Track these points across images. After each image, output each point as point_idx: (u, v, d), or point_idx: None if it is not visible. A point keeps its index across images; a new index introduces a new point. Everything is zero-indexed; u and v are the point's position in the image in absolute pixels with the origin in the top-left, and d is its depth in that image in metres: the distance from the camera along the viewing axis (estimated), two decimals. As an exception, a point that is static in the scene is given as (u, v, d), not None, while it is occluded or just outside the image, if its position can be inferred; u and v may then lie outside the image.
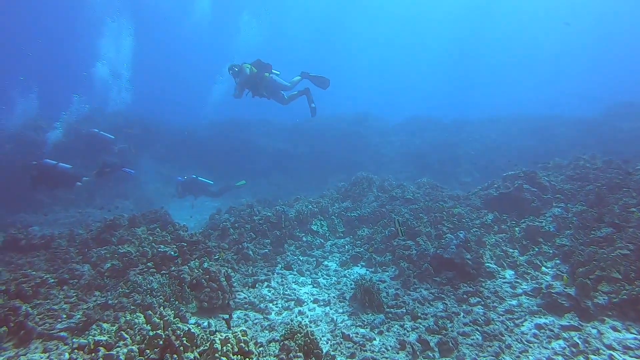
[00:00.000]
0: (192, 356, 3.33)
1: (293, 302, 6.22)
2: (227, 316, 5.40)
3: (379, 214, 9.42)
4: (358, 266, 7.70)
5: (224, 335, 3.47)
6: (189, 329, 3.53)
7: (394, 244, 7.81)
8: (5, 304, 5.09)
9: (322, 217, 9.79)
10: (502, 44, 56.72)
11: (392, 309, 5.62)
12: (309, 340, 3.56)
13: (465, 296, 5.74)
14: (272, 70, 10.13)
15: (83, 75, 21.83)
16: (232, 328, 5.10)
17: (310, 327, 5.13)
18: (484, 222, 8.29)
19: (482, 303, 5.59)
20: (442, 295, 5.90)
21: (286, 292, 6.57)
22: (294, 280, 7.17)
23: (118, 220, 8.70)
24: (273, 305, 6.18)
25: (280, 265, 7.79)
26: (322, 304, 6.16)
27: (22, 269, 7.00)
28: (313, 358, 3.41)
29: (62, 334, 4.96)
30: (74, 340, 4.55)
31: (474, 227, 8.13)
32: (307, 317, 5.75)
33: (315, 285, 6.95)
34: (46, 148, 15.36)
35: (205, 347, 3.38)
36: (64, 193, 14.12)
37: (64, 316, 5.43)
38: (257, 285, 6.79)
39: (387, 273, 7.11)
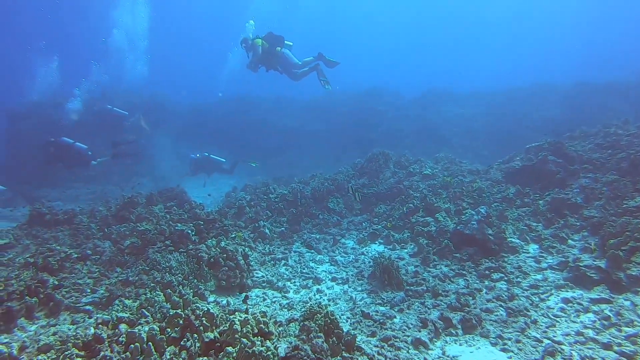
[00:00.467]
0: (212, 336, 3.29)
1: (311, 280, 6.17)
2: (244, 295, 5.39)
3: (397, 191, 9.25)
4: (376, 243, 7.60)
5: (244, 316, 3.42)
6: (208, 309, 3.48)
7: (413, 221, 7.67)
8: (34, 276, 5.17)
9: (339, 195, 9.68)
10: (521, 8, 54.30)
11: (412, 287, 5.52)
12: (329, 321, 3.48)
13: (487, 272, 5.59)
14: (285, 42, 9.93)
15: (101, 41, 21.68)
16: (250, 306, 5.09)
17: (329, 305, 5.09)
18: (506, 196, 8.06)
19: (506, 278, 5.44)
20: (463, 272, 5.77)
21: (304, 271, 6.52)
22: (312, 258, 7.13)
23: (136, 198, 8.74)
24: (291, 283, 6.15)
25: (297, 244, 7.76)
26: (340, 282, 6.10)
27: (48, 243, 7.12)
28: (334, 338, 3.33)
29: (87, 307, 5.03)
30: (98, 315, 4.59)
31: (495, 201, 7.92)
32: (326, 295, 5.70)
33: (332, 263, 6.89)
34: (64, 125, 15.52)
35: (225, 327, 3.33)
36: (79, 171, 14.28)
37: (89, 290, 5.51)
38: (275, 264, 6.77)
39: (406, 250, 7.00)
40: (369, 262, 6.60)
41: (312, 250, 7.41)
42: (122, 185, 16.07)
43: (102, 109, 16.64)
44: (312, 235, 8.14)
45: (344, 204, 9.41)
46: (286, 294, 5.78)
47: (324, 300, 5.52)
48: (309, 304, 5.25)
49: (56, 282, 5.32)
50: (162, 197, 9.37)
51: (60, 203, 12.68)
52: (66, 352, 3.12)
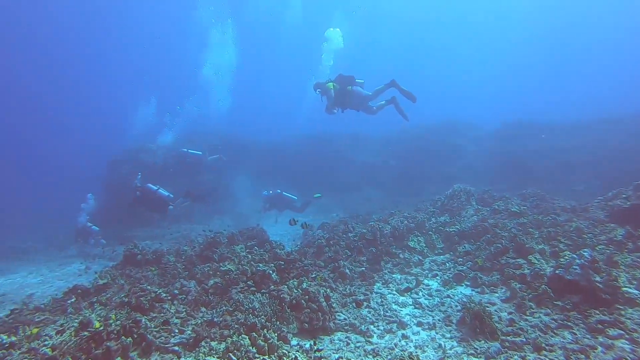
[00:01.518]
0: (300, 385, 3.21)
1: (395, 324, 5.90)
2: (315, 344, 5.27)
3: (482, 229, 8.74)
4: (462, 285, 7.15)
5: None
6: (296, 357, 3.42)
7: (502, 262, 7.14)
8: (129, 316, 5.47)
9: (419, 233, 9.35)
10: (605, 33, 50.73)
11: (508, 337, 5.05)
12: (423, 374, 3.26)
13: (600, 326, 4.95)
14: (356, 80, 10.12)
15: (193, 71, 23.32)
16: (331, 351, 4.95)
17: (418, 354, 4.80)
18: (613, 238, 7.24)
19: (627, 337, 4.75)
20: (569, 324, 5.17)
21: (387, 314, 6.27)
22: (394, 300, 6.85)
23: (218, 237, 9.10)
24: (374, 327, 5.92)
25: (378, 284, 7.53)
26: (426, 327, 5.77)
27: (139, 283, 7.57)
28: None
29: (175, 348, 5.18)
30: (187, 359, 4.71)
31: (599, 244, 7.14)
32: (412, 341, 5.40)
33: (417, 306, 6.56)
34: (152, 172, 16.98)
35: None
36: (158, 216, 15.32)
37: (177, 331, 5.69)
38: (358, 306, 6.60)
39: (497, 294, 6.48)
40: (457, 305, 6.21)
41: (393, 291, 7.15)
42: (205, 224, 16.92)
43: (179, 152, 17.99)
44: (394, 276, 7.88)
45: (425, 242, 9.06)
46: (370, 339, 5.56)
47: (410, 347, 5.23)
48: (395, 351, 5.03)
49: (148, 322, 5.58)
50: (243, 236, 9.67)
51: (149, 242, 13.60)
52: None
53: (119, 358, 4.81)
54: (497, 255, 7.44)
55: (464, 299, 6.35)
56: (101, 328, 4.93)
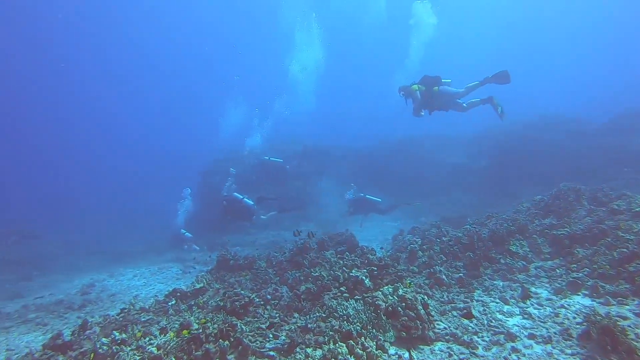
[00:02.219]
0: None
1: (502, 335, 5.36)
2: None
3: (599, 232, 7.74)
4: (579, 295, 6.34)
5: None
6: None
7: (631, 270, 6.21)
8: (225, 320, 5.60)
9: (521, 237, 8.55)
10: None
11: (647, 356, 4.32)
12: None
13: None
14: (442, 80, 9.66)
15: (282, 69, 23.79)
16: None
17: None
18: None
19: None
20: None
21: (492, 323, 5.74)
22: (498, 309, 6.28)
23: (308, 243, 9.11)
24: (478, 338, 5.43)
25: (478, 291, 6.98)
26: (540, 340, 5.15)
27: (233, 288, 7.80)
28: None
29: (271, 353, 5.18)
30: (284, 364, 4.67)
31: None
32: (525, 356, 4.85)
33: (525, 316, 5.93)
34: (239, 180, 17.74)
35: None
36: (244, 224, 15.87)
37: (271, 336, 5.71)
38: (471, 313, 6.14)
39: (628, 307, 5.63)
40: (575, 317, 5.50)
41: (496, 299, 6.56)
42: (291, 230, 17.23)
43: (261, 161, 18.55)
44: (495, 282, 7.26)
45: (529, 246, 8.25)
46: (475, 351, 5.10)
47: (523, 362, 4.69)
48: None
49: (243, 327, 5.66)
50: (333, 242, 9.60)
51: (239, 248, 14.14)
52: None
53: (217, 360, 4.91)
54: (623, 261, 6.50)
55: (585, 310, 5.61)
56: (200, 330, 5.08)
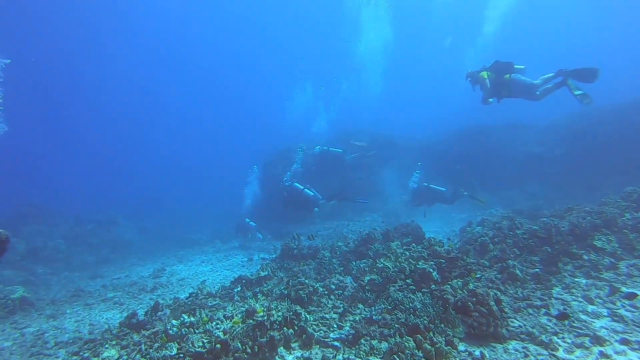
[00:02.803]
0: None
1: (588, 338, 4.88)
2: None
3: None
4: (681, 297, 5.63)
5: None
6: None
7: None
8: (290, 308, 5.61)
9: (608, 231, 7.78)
10: None
11: None
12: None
13: None
14: (515, 67, 8.97)
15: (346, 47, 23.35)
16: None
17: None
18: None
19: None
20: None
21: (574, 324, 5.25)
22: (581, 308, 5.74)
23: (373, 234, 8.93)
24: (559, 339, 4.99)
25: (557, 289, 6.43)
26: (636, 346, 4.62)
27: (297, 276, 7.83)
28: None
29: (335, 343, 5.11)
30: (347, 356, 4.57)
31: None
32: (616, 363, 4.37)
33: (615, 318, 5.36)
34: (301, 171, 17.89)
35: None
36: (305, 215, 15.91)
37: (335, 326, 5.65)
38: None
39: None
40: (678, 323, 4.88)
41: (579, 298, 5.99)
42: (356, 221, 17.11)
43: (321, 151, 18.45)
44: (577, 280, 6.66)
45: (619, 242, 7.48)
46: (555, 352, 4.69)
47: (613, 369, 4.23)
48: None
49: (307, 315, 5.63)
50: (398, 233, 9.34)
51: (303, 238, 14.23)
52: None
53: (281, 347, 4.92)
54: None
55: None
56: (264, 317, 5.12)
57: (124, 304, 8.64)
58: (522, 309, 5.79)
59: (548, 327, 5.25)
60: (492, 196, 17.65)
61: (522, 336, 5.06)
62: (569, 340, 4.92)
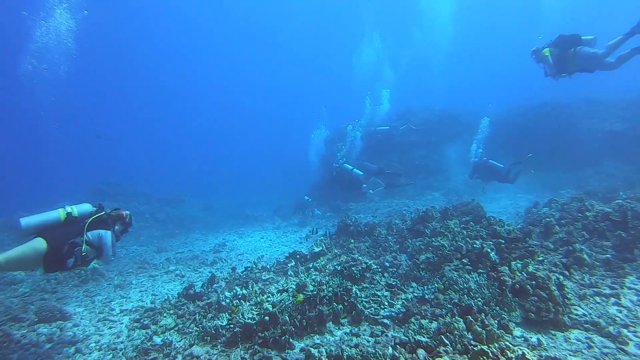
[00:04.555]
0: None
1: (665, 334, 4.44)
2: None
3: None
4: None
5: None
6: (524, 354, 2.76)
7: None
8: (341, 284, 5.63)
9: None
10: None
11: None
12: None
13: None
14: (582, 38, 8.25)
15: None
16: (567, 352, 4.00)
17: None
18: None
19: None
20: None
21: (650, 317, 4.80)
22: (659, 300, 5.22)
23: (430, 212, 8.69)
24: (629, 332, 4.58)
25: (632, 277, 5.90)
26: None
27: (352, 253, 7.83)
28: None
29: (385, 320, 5.07)
30: (395, 333, 4.51)
31: None
32: (697, 361, 3.94)
33: (703, 314, 4.82)
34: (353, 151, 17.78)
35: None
36: (352, 194, 15.80)
37: (386, 304, 5.59)
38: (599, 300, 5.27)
39: None
40: None
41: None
42: (416, 199, 16.76)
43: (370, 130, 18.21)
44: (655, 269, 6.06)
45: None
46: (624, 347, 4.31)
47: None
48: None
49: (358, 292, 5.61)
50: (457, 211, 9.01)
51: (362, 215, 14.19)
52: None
53: (330, 322, 4.96)
54: None
55: None
56: (315, 292, 5.16)
57: (184, 276, 9.15)
58: (589, 297, 5.38)
59: (617, 319, 4.84)
60: (564, 175, 16.52)
61: (586, 326, 4.71)
62: (642, 334, 4.51)
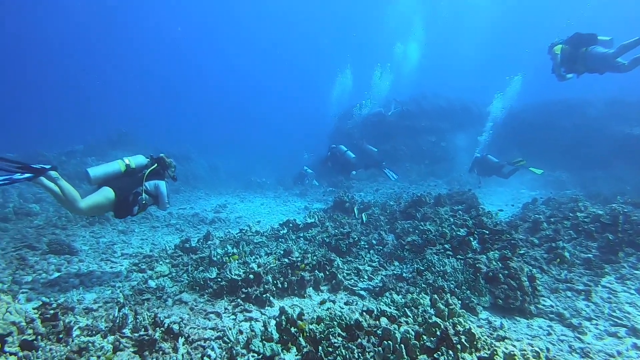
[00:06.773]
0: (469, 359, 2.86)
1: (624, 329, 4.69)
2: None
3: None
4: None
5: (512, 348, 2.83)
6: (470, 328, 3.05)
7: None
8: (325, 255, 5.97)
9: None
10: None
11: None
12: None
13: None
14: (599, 38, 8.08)
15: None
16: (524, 336, 4.28)
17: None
18: None
19: None
20: None
21: (614, 314, 5.04)
22: (630, 300, 5.45)
23: (424, 197, 8.92)
24: (591, 324, 4.84)
25: (609, 277, 6.11)
26: (678, 345, 4.37)
27: (343, 227, 8.15)
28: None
29: (362, 292, 5.43)
30: (366, 302, 4.85)
31: None
32: (647, 356, 4.19)
33: (666, 317, 5.04)
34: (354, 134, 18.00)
35: (486, 356, 2.84)
36: (342, 176, 16.10)
37: (366, 277, 5.94)
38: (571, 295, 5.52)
39: None
40: None
41: (633, 290, 5.67)
42: (420, 184, 16.94)
43: (375, 113, 18.44)
44: (637, 272, 6.25)
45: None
46: (581, 336, 4.58)
47: (641, 361, 4.08)
48: (613, 360, 4.02)
49: (341, 264, 5.93)
50: (451, 200, 9.23)
51: (362, 194, 14.44)
52: (331, 330, 3.35)
53: (311, 287, 5.32)
54: None
55: None
56: (299, 259, 5.52)
57: (183, 231, 9.57)
58: (560, 291, 5.63)
59: (583, 312, 5.10)
60: (573, 176, 16.49)
61: (550, 315, 4.98)
62: (602, 328, 4.76)
